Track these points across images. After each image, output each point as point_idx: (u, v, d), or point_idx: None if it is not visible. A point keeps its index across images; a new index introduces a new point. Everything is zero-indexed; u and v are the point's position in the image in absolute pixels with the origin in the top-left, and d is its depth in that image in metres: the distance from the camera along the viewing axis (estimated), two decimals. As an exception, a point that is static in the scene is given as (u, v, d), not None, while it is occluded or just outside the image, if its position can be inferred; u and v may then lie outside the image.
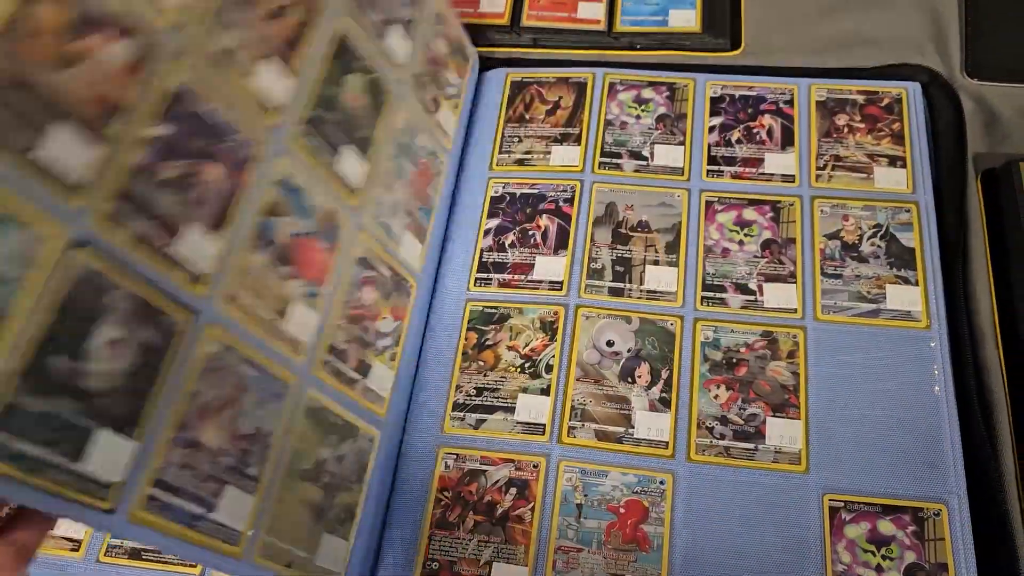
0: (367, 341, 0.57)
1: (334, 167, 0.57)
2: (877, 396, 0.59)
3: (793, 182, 0.68)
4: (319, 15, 0.57)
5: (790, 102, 0.71)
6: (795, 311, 0.62)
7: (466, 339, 0.64)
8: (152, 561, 0.57)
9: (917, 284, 0.62)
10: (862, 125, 0.69)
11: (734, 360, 0.61)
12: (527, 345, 0.63)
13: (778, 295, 0.63)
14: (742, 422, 0.59)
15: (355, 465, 0.55)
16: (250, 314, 0.51)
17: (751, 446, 0.58)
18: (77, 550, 0.57)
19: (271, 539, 0.48)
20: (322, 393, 0.53)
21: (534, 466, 0.58)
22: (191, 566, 0.56)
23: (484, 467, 0.59)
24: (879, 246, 0.64)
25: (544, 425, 0.60)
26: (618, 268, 0.65)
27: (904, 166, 0.67)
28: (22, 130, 0.36)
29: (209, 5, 0.48)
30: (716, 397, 0.60)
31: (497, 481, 0.58)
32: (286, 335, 0.52)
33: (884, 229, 0.65)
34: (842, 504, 0.56)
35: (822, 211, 0.66)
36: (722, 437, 0.59)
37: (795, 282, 0.63)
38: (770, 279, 0.64)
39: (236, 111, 0.51)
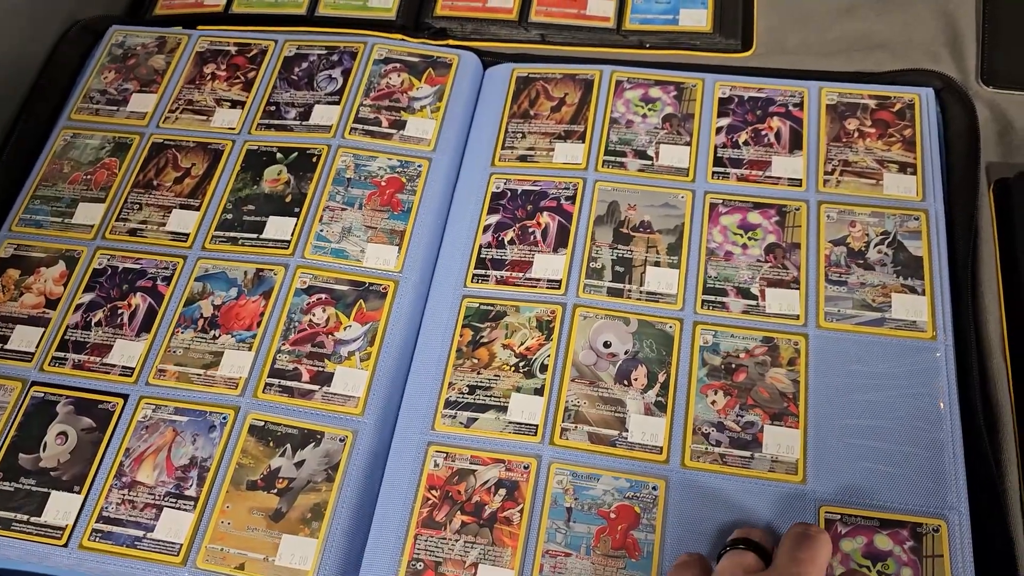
0: (324, 353, 0.62)
1: (259, 239, 0.67)
2: (879, 407, 0.57)
3: (800, 186, 0.66)
4: (215, 171, 0.71)
5: (799, 105, 0.70)
6: (797, 317, 0.61)
7: (461, 336, 0.63)
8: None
9: (924, 293, 0.61)
10: (873, 130, 0.68)
11: (733, 366, 0.60)
12: (522, 344, 0.62)
13: (780, 301, 0.62)
14: (739, 429, 0.57)
15: (322, 466, 0.58)
16: (180, 378, 0.62)
17: (747, 454, 0.57)
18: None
19: (216, 546, 0.55)
20: (268, 412, 0.60)
21: (524, 467, 0.57)
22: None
23: (474, 466, 0.58)
24: (886, 254, 0.63)
25: (537, 426, 0.59)
26: (618, 268, 0.64)
27: (914, 173, 0.66)
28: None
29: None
30: (713, 403, 0.59)
31: (487, 481, 0.57)
32: (219, 380, 0.61)
33: (892, 236, 0.63)
34: (838, 517, 0.54)
35: (828, 216, 0.65)
36: (718, 444, 0.57)
37: (798, 288, 0.62)
38: (772, 284, 0.62)
39: (153, 251, 0.67)
